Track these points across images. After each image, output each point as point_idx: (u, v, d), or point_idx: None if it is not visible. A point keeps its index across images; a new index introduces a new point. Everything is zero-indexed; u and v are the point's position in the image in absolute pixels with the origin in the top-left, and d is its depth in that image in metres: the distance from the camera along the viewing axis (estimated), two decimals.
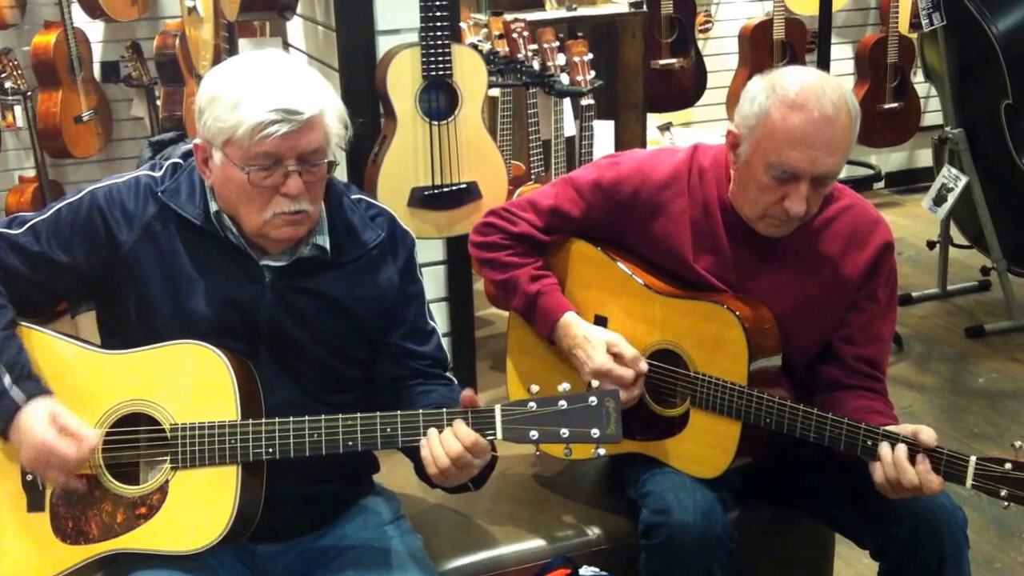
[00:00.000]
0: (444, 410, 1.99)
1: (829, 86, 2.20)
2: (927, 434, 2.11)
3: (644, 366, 2.36)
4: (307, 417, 1.98)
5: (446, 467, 1.95)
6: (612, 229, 2.47)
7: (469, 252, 2.60)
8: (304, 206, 1.99)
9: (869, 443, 2.14)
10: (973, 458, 2.06)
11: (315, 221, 2.07)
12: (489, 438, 1.95)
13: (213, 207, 2.05)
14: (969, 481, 2.06)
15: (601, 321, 2.47)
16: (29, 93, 4.94)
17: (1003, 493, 2.04)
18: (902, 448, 2.10)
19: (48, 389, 2.00)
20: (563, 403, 1.94)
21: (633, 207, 2.42)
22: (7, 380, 1.96)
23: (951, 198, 4.82)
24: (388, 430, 1.97)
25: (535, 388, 1.99)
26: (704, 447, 2.33)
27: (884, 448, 2.12)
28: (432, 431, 1.97)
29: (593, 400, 1.94)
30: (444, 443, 1.95)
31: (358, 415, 1.98)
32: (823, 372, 2.39)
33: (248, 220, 2.02)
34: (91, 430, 1.97)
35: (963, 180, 4.79)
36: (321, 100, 1.97)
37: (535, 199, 2.52)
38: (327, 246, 2.10)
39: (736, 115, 2.29)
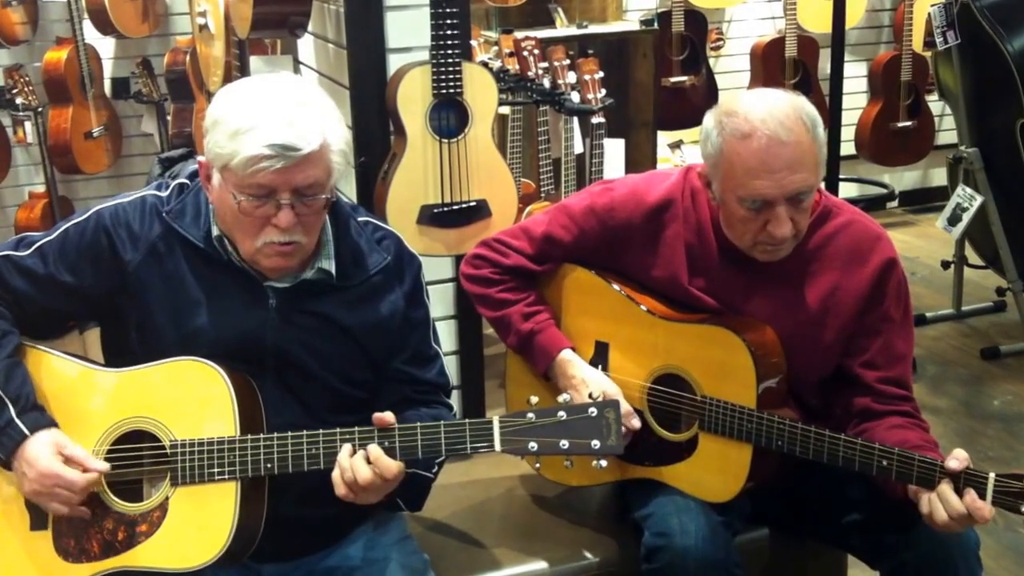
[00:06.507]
0: (442, 422, 1.98)
1: (777, 107, 2.16)
2: (956, 460, 2.06)
3: (636, 423, 2.33)
4: (305, 431, 1.97)
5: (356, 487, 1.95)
6: (606, 254, 2.43)
7: (461, 284, 2.55)
8: (296, 238, 1.98)
9: (884, 463, 2.11)
10: (992, 474, 2.05)
11: (308, 252, 2.05)
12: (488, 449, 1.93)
13: (215, 231, 2.05)
14: (989, 498, 2.05)
15: (602, 347, 2.44)
16: (40, 109, 4.96)
17: (1023, 509, 2.03)
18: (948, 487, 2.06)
19: (53, 421, 2.00)
20: (562, 414, 1.92)
21: (628, 232, 2.39)
22: (12, 411, 1.97)
23: (966, 218, 4.79)
24: (386, 443, 1.96)
25: (534, 399, 1.97)
26: (714, 471, 2.30)
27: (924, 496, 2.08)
28: (346, 448, 1.96)
29: (593, 411, 1.92)
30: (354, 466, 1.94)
31: (356, 428, 1.97)
32: (851, 403, 2.33)
33: (241, 245, 2.01)
34: (98, 461, 1.97)
35: (978, 199, 4.75)
36: (323, 135, 1.94)
37: (528, 226, 2.49)
38: (332, 270, 2.09)
39: (700, 154, 2.26)
